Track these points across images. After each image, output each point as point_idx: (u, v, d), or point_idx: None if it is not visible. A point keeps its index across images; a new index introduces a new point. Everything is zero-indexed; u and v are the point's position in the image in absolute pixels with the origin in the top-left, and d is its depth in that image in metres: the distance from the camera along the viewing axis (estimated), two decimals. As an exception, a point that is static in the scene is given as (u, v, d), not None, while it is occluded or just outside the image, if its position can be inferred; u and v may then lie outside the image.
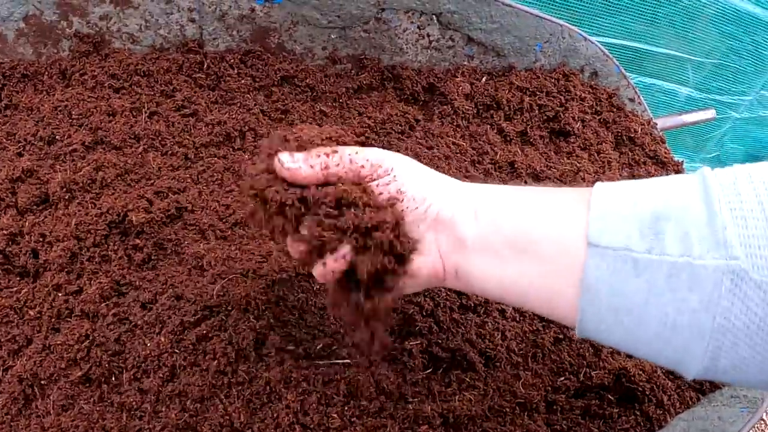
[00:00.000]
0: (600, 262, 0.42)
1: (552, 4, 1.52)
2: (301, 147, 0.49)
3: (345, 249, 0.49)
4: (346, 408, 0.61)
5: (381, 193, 0.49)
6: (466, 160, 0.92)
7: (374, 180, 0.50)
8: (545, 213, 0.46)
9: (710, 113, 1.43)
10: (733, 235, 0.38)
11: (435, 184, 0.52)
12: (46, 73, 0.83)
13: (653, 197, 0.42)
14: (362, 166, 0.49)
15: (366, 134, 0.85)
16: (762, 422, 1.60)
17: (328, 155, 0.49)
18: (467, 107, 0.99)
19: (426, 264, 0.51)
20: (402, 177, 0.50)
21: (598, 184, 0.45)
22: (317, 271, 0.51)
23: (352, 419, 0.60)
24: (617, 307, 0.42)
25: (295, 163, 0.49)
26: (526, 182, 0.93)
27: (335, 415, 0.60)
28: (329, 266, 0.50)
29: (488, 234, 0.48)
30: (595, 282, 0.42)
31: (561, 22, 1.03)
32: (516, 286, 0.48)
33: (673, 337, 0.41)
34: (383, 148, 0.78)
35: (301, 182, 0.49)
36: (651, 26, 1.71)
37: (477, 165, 0.92)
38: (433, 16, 0.96)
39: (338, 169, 0.49)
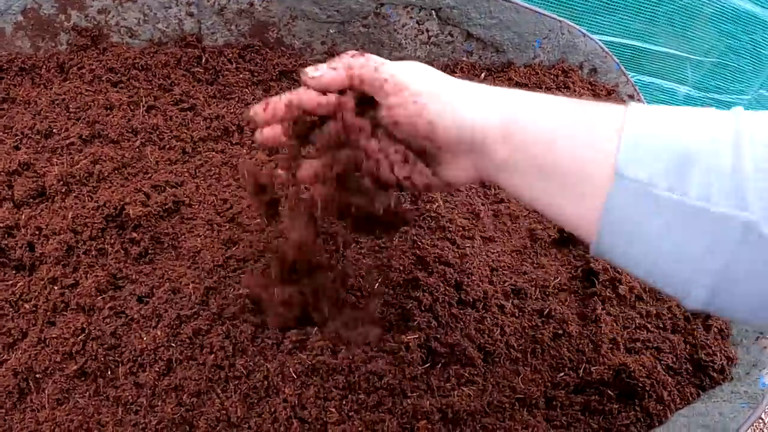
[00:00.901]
0: (623, 193, 0.43)
1: (551, 3, 1.52)
2: None
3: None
4: (344, 402, 0.60)
5: (400, 114, 0.51)
6: (465, 156, 0.91)
7: (398, 102, 0.51)
8: (576, 136, 0.46)
9: (709, 111, 1.42)
10: (752, 188, 0.39)
11: (466, 109, 0.51)
12: (44, 66, 0.83)
13: (686, 133, 0.43)
14: (385, 80, 0.50)
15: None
16: (761, 421, 1.59)
17: (353, 56, 0.51)
18: (466, 103, 0.98)
19: (461, 177, 0.55)
20: (429, 105, 0.50)
21: (632, 106, 0.46)
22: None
23: (350, 413, 0.60)
24: (633, 235, 0.44)
25: (318, 71, 0.51)
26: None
27: (333, 410, 0.59)
28: None
29: (517, 158, 0.49)
30: (615, 211, 0.44)
31: (560, 18, 1.03)
32: (542, 203, 0.50)
33: (681, 270, 0.43)
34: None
35: (326, 87, 0.51)
36: (650, 25, 1.71)
37: (476, 160, 0.92)
38: (433, 12, 0.96)
39: (362, 71, 0.50)
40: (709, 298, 0.43)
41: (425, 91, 0.51)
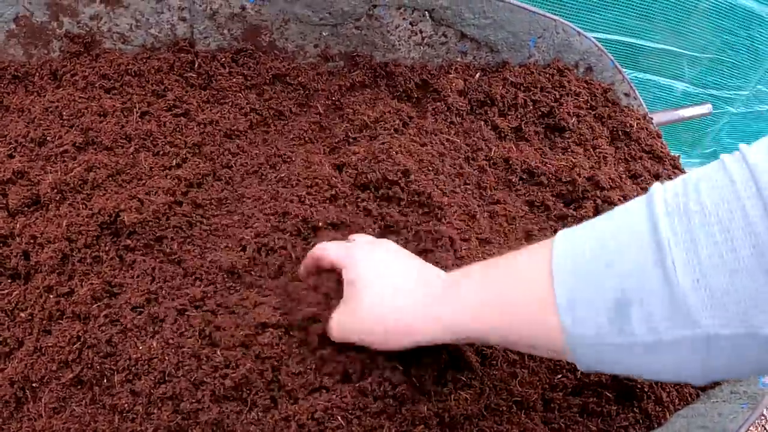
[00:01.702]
0: (583, 349, 0.45)
1: (546, 1, 1.51)
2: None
3: None
4: (350, 408, 0.60)
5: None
6: (460, 157, 0.91)
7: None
8: (518, 318, 0.50)
9: (706, 108, 1.42)
10: (696, 305, 0.38)
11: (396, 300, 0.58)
12: (37, 74, 0.83)
13: (612, 273, 0.42)
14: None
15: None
16: (763, 417, 1.59)
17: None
18: (461, 104, 0.98)
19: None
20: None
21: (555, 245, 0.47)
22: None
23: (351, 420, 0.60)
24: (615, 367, 0.46)
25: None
26: (521, 179, 0.92)
27: (339, 418, 0.59)
28: None
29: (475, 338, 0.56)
30: (585, 361, 0.46)
31: (555, 17, 1.03)
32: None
33: (666, 376, 0.45)
34: (378, 145, 0.78)
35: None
36: (645, 21, 1.70)
37: (471, 161, 0.92)
38: (426, 12, 0.96)
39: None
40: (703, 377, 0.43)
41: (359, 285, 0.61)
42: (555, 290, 0.45)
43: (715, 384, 0.78)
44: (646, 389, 0.71)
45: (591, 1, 1.58)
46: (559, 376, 0.71)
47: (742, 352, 0.38)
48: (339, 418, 0.59)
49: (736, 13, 1.81)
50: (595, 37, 1.09)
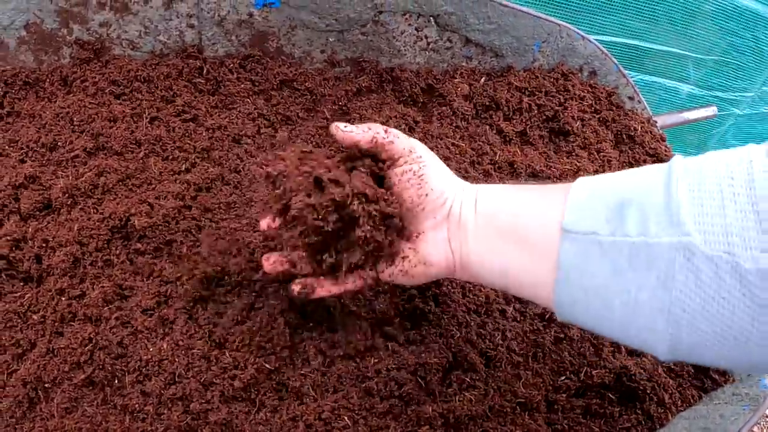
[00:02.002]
0: (570, 246, 0.46)
1: (550, 4, 1.52)
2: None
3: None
4: (357, 408, 0.61)
5: (410, 179, 0.57)
6: (465, 161, 0.92)
7: (406, 162, 0.57)
8: (531, 204, 0.52)
9: (711, 110, 1.42)
10: (687, 214, 0.41)
11: (452, 180, 0.59)
12: (48, 80, 0.84)
13: (623, 185, 0.46)
14: (403, 148, 0.58)
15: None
16: (765, 419, 1.59)
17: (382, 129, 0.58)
18: (466, 108, 0.99)
19: (440, 254, 0.57)
20: (428, 167, 0.57)
21: (580, 178, 0.50)
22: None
23: (358, 420, 0.61)
24: (587, 287, 0.46)
25: (349, 128, 0.58)
26: (526, 182, 0.93)
27: (346, 418, 0.60)
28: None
29: (485, 226, 0.55)
30: (566, 264, 0.47)
31: (559, 21, 1.04)
32: (506, 273, 0.53)
33: (636, 316, 0.44)
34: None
35: (351, 143, 0.58)
36: (650, 24, 1.71)
37: (476, 165, 0.93)
38: (431, 18, 0.97)
39: (383, 139, 0.58)
40: (672, 339, 0.43)
41: (426, 155, 0.58)
42: (568, 199, 0.48)
43: (717, 385, 0.78)
44: (648, 391, 0.72)
45: (595, 5, 1.59)
46: (563, 378, 0.72)
47: (719, 291, 0.39)
48: (346, 418, 0.60)
49: (741, 15, 1.81)
50: (599, 40, 1.09)
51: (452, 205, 0.57)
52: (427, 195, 0.57)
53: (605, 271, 0.44)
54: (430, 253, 0.57)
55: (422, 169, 0.57)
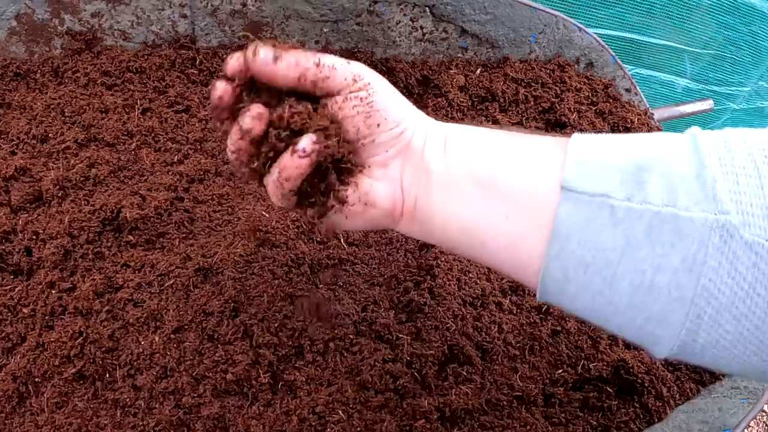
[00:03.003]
0: (573, 207, 0.37)
1: (547, -3, 1.51)
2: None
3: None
4: (351, 402, 0.60)
5: (356, 106, 0.44)
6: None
7: (352, 92, 0.44)
8: (518, 153, 0.43)
9: (708, 104, 1.42)
10: (724, 189, 0.34)
11: (411, 110, 0.47)
12: (39, 71, 0.83)
13: (637, 148, 0.39)
14: (344, 78, 0.44)
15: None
16: (763, 413, 1.59)
17: (312, 62, 0.43)
18: (462, 99, 0.98)
19: (387, 194, 0.47)
20: (380, 94, 0.45)
21: (576, 134, 0.42)
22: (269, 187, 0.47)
23: (353, 414, 0.60)
24: (588, 262, 0.37)
25: (266, 58, 0.42)
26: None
27: (340, 412, 0.59)
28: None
29: (456, 168, 0.44)
30: (564, 231, 0.38)
31: (556, 12, 1.03)
32: (477, 229, 0.43)
33: (648, 302, 0.36)
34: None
35: (274, 79, 0.42)
36: (647, 17, 1.70)
37: (472, 157, 0.92)
38: (426, 8, 0.96)
39: (317, 74, 0.43)
40: (687, 335, 0.36)
41: (377, 80, 0.46)
42: (568, 149, 0.39)
43: (716, 379, 0.78)
44: (646, 384, 0.71)
45: (594, 2, 1.58)
46: (560, 371, 0.71)
47: (754, 285, 0.33)
48: (340, 412, 0.59)
49: (738, 10, 1.81)
50: (596, 33, 1.09)
51: (412, 139, 0.46)
52: (379, 125, 0.45)
53: (616, 244, 0.36)
54: (375, 192, 0.46)
55: (372, 96, 0.44)
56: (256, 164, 0.46)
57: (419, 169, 0.46)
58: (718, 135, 0.38)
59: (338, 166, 0.46)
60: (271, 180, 0.45)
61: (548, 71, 1.05)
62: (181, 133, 0.82)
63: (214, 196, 0.77)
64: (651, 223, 0.35)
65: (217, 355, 0.61)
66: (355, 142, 0.46)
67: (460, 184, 0.44)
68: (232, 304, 0.65)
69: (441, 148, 0.46)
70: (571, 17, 1.05)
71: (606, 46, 1.09)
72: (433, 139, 0.46)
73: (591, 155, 0.39)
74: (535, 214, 0.40)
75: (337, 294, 0.69)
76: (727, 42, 1.91)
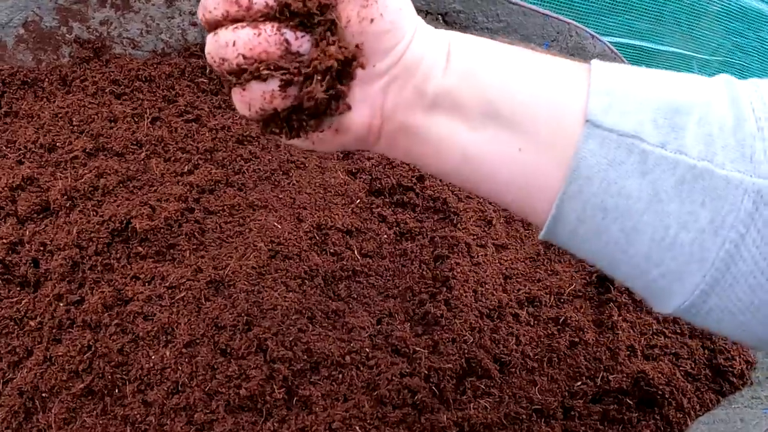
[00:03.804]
0: (598, 147, 0.33)
1: (556, 4, 1.51)
2: None
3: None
4: (368, 417, 0.59)
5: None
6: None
7: None
8: (536, 72, 0.37)
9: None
10: (761, 150, 0.32)
11: (411, 14, 0.38)
12: (47, 79, 0.82)
13: (669, 86, 0.35)
14: None
15: None
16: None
17: None
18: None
19: (362, 119, 0.39)
20: None
21: (596, 61, 0.37)
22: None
23: (370, 430, 0.58)
24: (608, 207, 0.34)
25: None
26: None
27: (357, 428, 0.58)
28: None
29: (460, 88, 0.37)
30: (586, 171, 0.34)
31: (568, 20, 1.02)
32: (481, 159, 0.38)
33: (666, 258, 0.34)
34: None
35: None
36: (656, 24, 1.69)
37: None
38: (439, 16, 0.95)
39: None
40: (699, 297, 0.34)
41: None
42: (591, 77, 0.35)
43: (735, 389, 0.76)
44: (666, 395, 0.70)
45: (601, 5, 1.57)
46: (579, 383, 0.69)
47: None
48: (357, 428, 0.57)
49: (746, 16, 1.80)
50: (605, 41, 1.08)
51: (407, 51, 0.37)
52: (373, 21, 0.36)
53: (642, 194, 0.33)
54: (348, 117, 0.39)
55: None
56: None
57: (412, 87, 0.38)
58: (751, 86, 0.35)
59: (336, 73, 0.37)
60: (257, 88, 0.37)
61: (560, 78, 1.04)
62: (191, 143, 0.81)
63: (225, 207, 0.76)
64: (684, 177, 0.32)
65: (230, 369, 0.60)
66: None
67: (465, 105, 0.37)
68: (245, 318, 0.64)
69: (443, 61, 0.38)
70: (582, 25, 1.05)
71: (618, 53, 1.08)
72: (434, 51, 0.38)
73: (619, 87, 0.34)
74: (552, 147, 0.35)
75: (351, 306, 0.67)
76: (736, 48, 1.90)
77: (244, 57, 0.36)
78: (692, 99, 0.34)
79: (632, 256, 0.35)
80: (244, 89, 0.37)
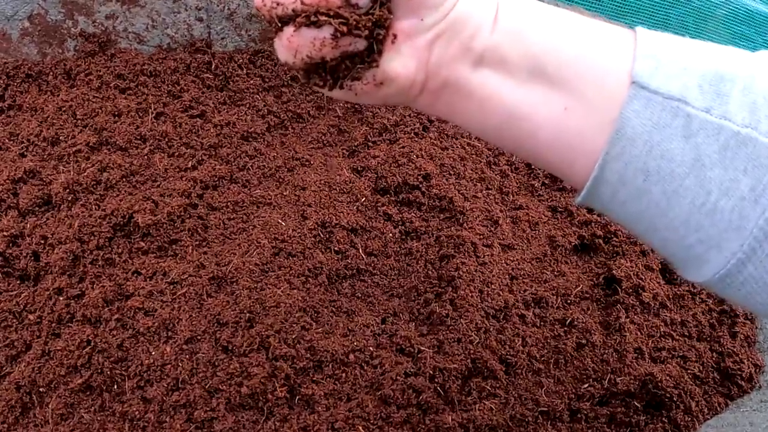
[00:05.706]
0: (643, 108, 0.34)
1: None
2: None
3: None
4: (372, 417, 0.58)
5: None
6: (481, 161, 0.89)
7: None
8: (584, 32, 0.37)
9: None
10: None
11: None
12: (51, 73, 0.82)
13: (714, 55, 0.35)
14: None
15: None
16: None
17: None
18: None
19: (407, 73, 0.39)
20: None
21: (640, 27, 0.37)
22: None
23: (374, 430, 0.57)
24: (650, 170, 0.34)
25: None
26: (544, 184, 0.90)
27: (361, 428, 0.57)
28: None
29: (507, 45, 0.38)
30: (630, 132, 0.34)
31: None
32: (526, 116, 0.38)
33: (706, 225, 0.34)
34: (398, 149, 0.76)
35: None
36: (663, 28, 1.69)
37: (493, 166, 0.89)
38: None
39: None
40: (735, 266, 0.34)
41: None
42: (637, 41, 0.35)
43: (743, 392, 0.75)
44: (674, 398, 0.69)
45: (609, 9, 1.57)
46: (586, 385, 0.68)
47: None
48: (360, 428, 0.57)
49: (753, 20, 1.79)
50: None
51: (455, 7, 0.37)
52: None
53: (685, 158, 0.33)
54: (392, 68, 0.39)
55: None
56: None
57: (458, 43, 0.38)
58: None
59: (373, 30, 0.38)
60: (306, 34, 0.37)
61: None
62: (196, 139, 0.80)
63: (229, 203, 0.75)
64: (728, 143, 0.33)
65: (231, 367, 0.59)
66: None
67: (512, 61, 0.38)
68: (248, 315, 0.63)
69: (491, 20, 0.38)
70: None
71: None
72: (483, 10, 0.38)
73: (665, 52, 0.35)
74: (598, 107, 0.35)
75: (355, 305, 0.66)
76: (743, 53, 1.90)
77: (303, 2, 0.36)
78: (736, 69, 0.34)
79: (671, 220, 0.35)
80: (293, 35, 0.37)
